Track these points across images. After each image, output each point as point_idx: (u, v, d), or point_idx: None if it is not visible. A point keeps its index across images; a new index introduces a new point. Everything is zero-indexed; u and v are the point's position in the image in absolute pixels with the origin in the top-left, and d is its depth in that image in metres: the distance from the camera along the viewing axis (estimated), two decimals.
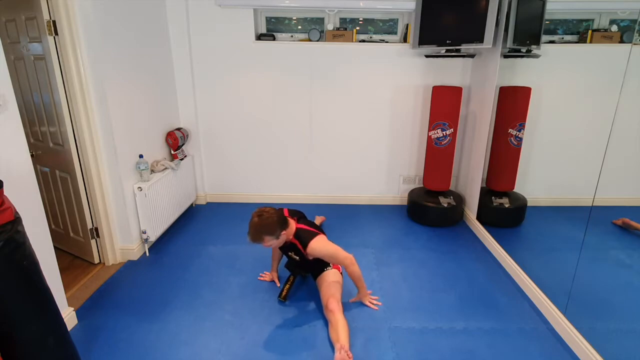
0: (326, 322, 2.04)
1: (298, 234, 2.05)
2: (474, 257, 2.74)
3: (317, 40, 3.24)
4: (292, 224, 2.06)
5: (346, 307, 2.13)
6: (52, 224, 2.72)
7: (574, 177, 2.43)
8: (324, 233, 2.19)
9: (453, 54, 3.05)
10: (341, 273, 2.21)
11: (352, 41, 3.23)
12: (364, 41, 3.32)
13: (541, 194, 2.82)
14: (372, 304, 2.21)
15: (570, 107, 2.50)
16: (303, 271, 2.26)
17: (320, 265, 2.18)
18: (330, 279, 2.11)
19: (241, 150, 3.57)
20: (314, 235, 2.05)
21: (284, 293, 2.21)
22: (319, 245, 2.02)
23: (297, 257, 2.14)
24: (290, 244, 2.09)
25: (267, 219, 1.90)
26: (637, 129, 1.90)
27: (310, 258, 2.10)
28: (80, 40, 2.21)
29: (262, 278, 2.44)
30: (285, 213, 2.16)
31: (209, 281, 2.42)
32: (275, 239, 1.95)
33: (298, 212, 2.29)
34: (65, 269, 2.51)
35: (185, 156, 3.28)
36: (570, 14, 2.59)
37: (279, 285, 2.37)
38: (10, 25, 2.30)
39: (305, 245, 2.01)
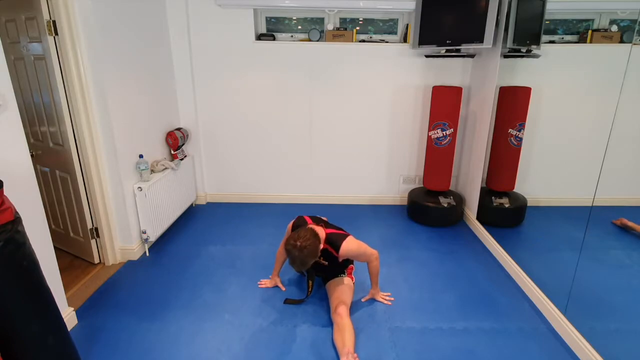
0: (329, 324, 2.04)
1: (329, 239, 2.03)
2: (474, 257, 2.74)
3: (317, 40, 3.24)
4: (322, 231, 2.03)
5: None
6: (52, 224, 2.72)
7: (574, 177, 2.43)
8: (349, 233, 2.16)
9: (453, 54, 3.05)
10: (354, 282, 2.22)
11: (352, 41, 3.23)
12: (364, 41, 3.32)
13: (541, 194, 2.82)
14: (385, 299, 2.22)
15: (570, 107, 2.50)
16: (320, 273, 2.24)
17: (336, 270, 2.19)
18: (344, 285, 2.12)
19: (241, 150, 3.57)
20: (344, 237, 2.05)
21: (309, 293, 2.21)
22: (351, 246, 2.03)
23: (327, 262, 2.11)
24: (321, 250, 2.03)
25: (307, 247, 1.84)
26: (637, 129, 1.91)
27: (340, 261, 2.10)
28: (80, 40, 2.21)
29: (263, 285, 2.38)
30: (309, 221, 2.15)
31: (209, 281, 2.42)
32: (318, 255, 1.94)
33: (320, 219, 2.25)
34: (65, 269, 2.51)
35: (185, 156, 3.28)
36: (570, 14, 2.59)
37: (284, 289, 2.35)
38: (10, 25, 2.30)
39: (337, 249, 2.00)
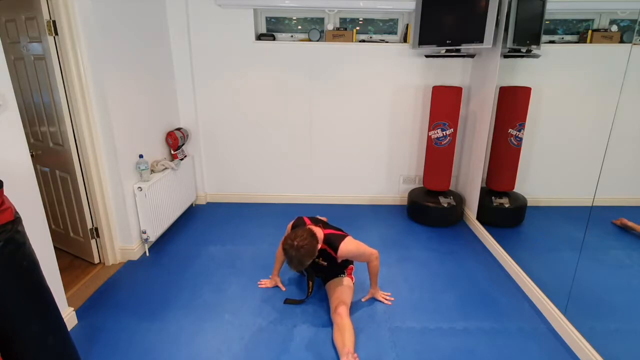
0: (329, 324, 2.04)
1: (327, 239, 2.04)
2: (474, 257, 2.74)
3: (317, 40, 3.24)
4: (320, 232, 2.03)
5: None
6: (52, 224, 2.72)
7: (574, 177, 2.43)
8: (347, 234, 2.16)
9: (453, 54, 3.05)
10: (354, 282, 2.22)
11: (352, 41, 3.23)
12: (364, 41, 3.32)
13: (541, 194, 2.82)
14: (386, 299, 2.23)
15: (570, 107, 2.50)
16: (320, 274, 2.24)
17: (336, 271, 2.19)
18: (344, 285, 2.12)
19: (241, 150, 3.57)
20: (342, 237, 2.05)
21: (310, 294, 2.21)
22: (349, 247, 2.03)
23: (325, 263, 2.11)
24: (320, 250, 2.03)
25: (304, 247, 1.83)
26: (637, 129, 1.91)
27: (340, 261, 2.11)
28: (80, 40, 2.21)
29: (262, 285, 2.37)
30: (308, 222, 2.15)
31: (209, 281, 2.42)
32: (316, 255, 1.94)
33: (319, 219, 2.26)
34: (65, 269, 2.51)
35: (185, 156, 3.28)
36: (570, 14, 2.59)
37: (284, 289, 2.35)
38: (10, 25, 2.30)
39: (336, 249, 2.01)
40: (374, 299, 2.25)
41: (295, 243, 1.83)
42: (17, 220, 1.24)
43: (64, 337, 1.39)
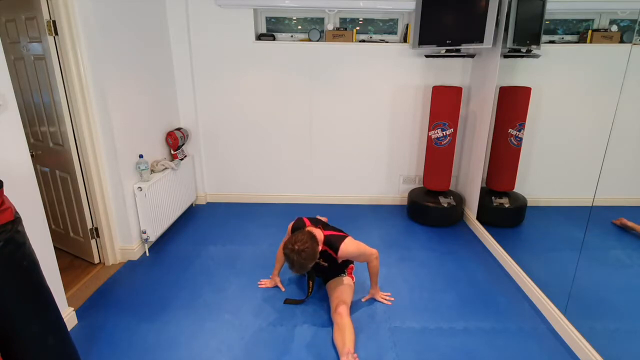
0: (329, 324, 2.04)
1: (328, 240, 2.04)
2: (474, 257, 2.74)
3: (317, 40, 3.24)
4: (320, 234, 2.03)
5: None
6: (52, 224, 2.72)
7: (574, 177, 2.43)
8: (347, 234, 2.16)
9: (453, 54, 3.05)
10: (354, 282, 2.22)
11: (352, 41, 3.23)
12: (364, 41, 3.32)
13: (541, 194, 2.82)
14: (385, 299, 2.23)
15: (570, 107, 2.50)
16: (320, 274, 2.24)
17: (336, 271, 2.19)
18: (345, 285, 2.13)
19: (241, 150, 3.57)
20: (342, 238, 2.05)
21: (310, 294, 2.21)
22: (349, 247, 2.04)
23: (326, 264, 2.11)
24: (320, 252, 2.02)
25: (305, 250, 1.83)
26: (637, 129, 1.91)
27: (340, 261, 2.11)
28: (80, 40, 2.21)
29: (263, 285, 2.38)
30: (307, 223, 2.16)
31: (209, 281, 2.42)
32: (317, 258, 1.94)
33: (319, 220, 2.26)
34: (65, 269, 2.51)
35: (185, 156, 3.28)
36: (570, 14, 2.59)
37: (283, 289, 2.35)
38: (10, 25, 2.30)
39: (336, 250, 2.01)
40: (374, 299, 2.25)
41: (296, 247, 1.83)
42: (17, 220, 1.24)
43: (64, 337, 1.39)
